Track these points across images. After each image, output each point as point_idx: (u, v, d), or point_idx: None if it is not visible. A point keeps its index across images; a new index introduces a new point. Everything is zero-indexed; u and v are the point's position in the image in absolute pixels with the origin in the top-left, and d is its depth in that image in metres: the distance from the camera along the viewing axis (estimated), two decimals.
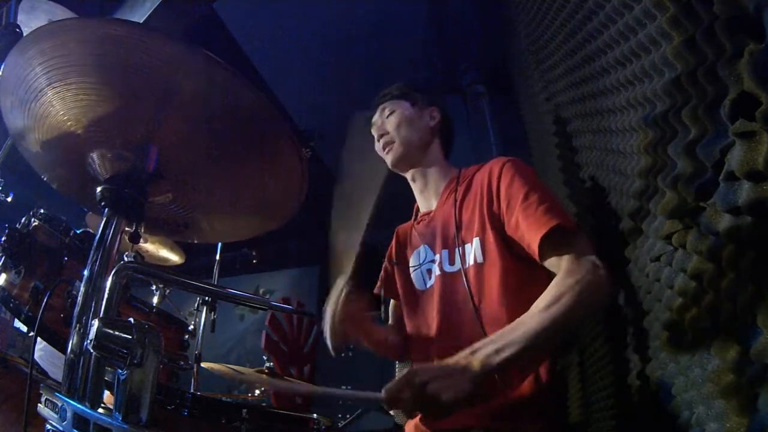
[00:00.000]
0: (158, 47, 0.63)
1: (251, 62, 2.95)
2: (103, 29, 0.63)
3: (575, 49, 1.10)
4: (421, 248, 1.21)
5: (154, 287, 1.74)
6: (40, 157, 0.84)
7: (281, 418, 0.93)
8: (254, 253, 2.67)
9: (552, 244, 0.89)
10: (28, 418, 0.75)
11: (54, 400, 0.58)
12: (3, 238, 1.14)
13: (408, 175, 1.25)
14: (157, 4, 2.22)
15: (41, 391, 0.61)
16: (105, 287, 0.66)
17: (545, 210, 0.92)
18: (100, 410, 0.57)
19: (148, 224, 0.85)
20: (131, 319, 0.55)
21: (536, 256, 0.91)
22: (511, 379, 0.95)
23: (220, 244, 2.11)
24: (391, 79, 1.29)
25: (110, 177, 0.74)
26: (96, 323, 0.53)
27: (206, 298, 1.91)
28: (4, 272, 1.15)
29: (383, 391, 0.73)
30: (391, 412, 1.67)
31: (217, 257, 2.12)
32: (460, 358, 0.77)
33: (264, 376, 1.59)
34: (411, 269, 1.22)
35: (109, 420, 0.52)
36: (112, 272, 0.67)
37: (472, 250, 1.05)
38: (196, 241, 0.97)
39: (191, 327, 1.68)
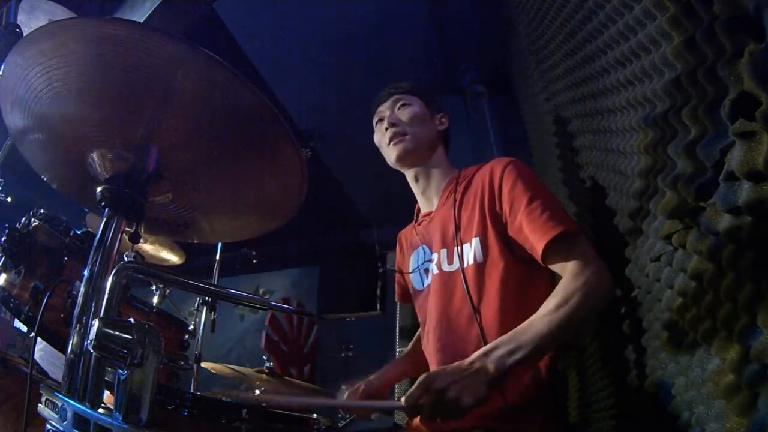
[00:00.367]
0: (158, 47, 0.62)
1: (251, 62, 2.94)
2: (103, 29, 0.63)
3: (575, 49, 1.10)
4: (420, 248, 1.21)
5: (154, 287, 1.74)
6: (40, 157, 0.84)
7: (281, 418, 0.93)
8: (254, 253, 2.66)
9: (557, 249, 0.90)
10: (28, 418, 0.75)
11: (54, 400, 0.58)
12: (3, 238, 1.14)
13: (410, 174, 1.24)
14: (157, 4, 2.21)
15: (41, 391, 0.61)
16: (105, 287, 0.66)
17: (549, 216, 0.93)
18: (101, 410, 0.57)
19: (148, 224, 0.85)
20: (131, 319, 0.55)
21: (540, 260, 0.93)
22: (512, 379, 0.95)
23: (220, 244, 2.10)
24: (391, 79, 1.28)
25: (110, 177, 0.73)
26: (96, 323, 0.53)
27: (206, 298, 1.91)
28: (4, 272, 1.15)
29: (403, 399, 0.74)
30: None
31: (217, 257, 2.11)
32: (473, 360, 0.78)
33: (264, 376, 1.60)
34: (411, 270, 1.23)
35: (110, 420, 0.52)
36: (112, 272, 0.66)
37: (471, 250, 1.05)
38: (196, 241, 0.97)
39: (191, 327, 1.68)
